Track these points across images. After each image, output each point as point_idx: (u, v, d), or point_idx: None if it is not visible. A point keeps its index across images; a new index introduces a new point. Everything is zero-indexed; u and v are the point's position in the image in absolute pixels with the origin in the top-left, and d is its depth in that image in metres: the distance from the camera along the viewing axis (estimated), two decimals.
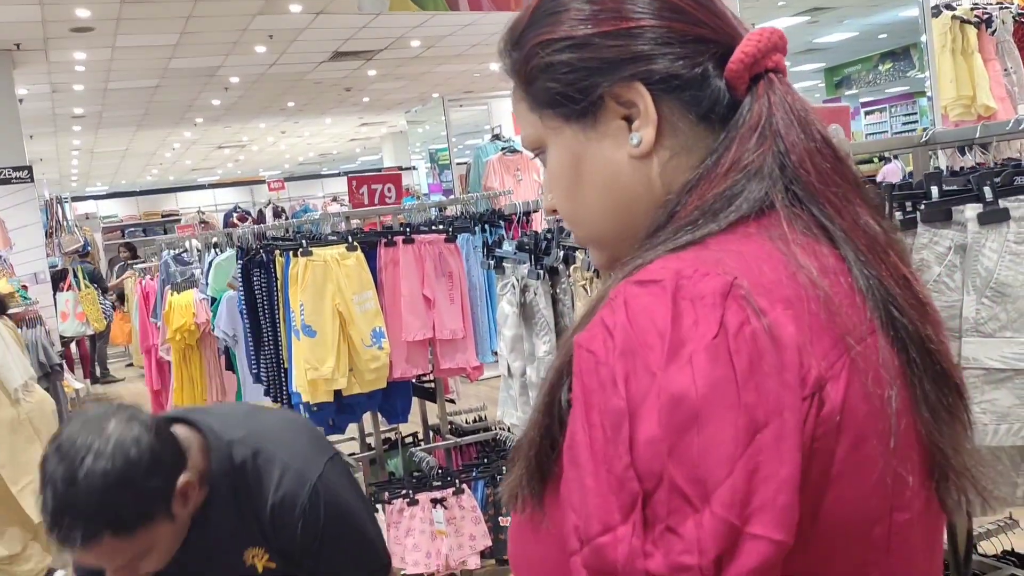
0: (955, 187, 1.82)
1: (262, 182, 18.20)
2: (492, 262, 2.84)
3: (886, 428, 0.62)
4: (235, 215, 13.02)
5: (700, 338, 0.58)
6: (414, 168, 12.32)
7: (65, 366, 5.90)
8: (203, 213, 14.22)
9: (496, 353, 2.96)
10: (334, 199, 14.91)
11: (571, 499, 0.61)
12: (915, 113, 13.61)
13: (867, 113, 14.79)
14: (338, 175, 20.21)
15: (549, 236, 2.56)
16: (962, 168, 2.46)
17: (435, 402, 3.80)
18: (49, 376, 5.31)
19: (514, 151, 7.34)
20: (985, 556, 2.39)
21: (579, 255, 2.37)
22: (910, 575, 0.66)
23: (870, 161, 7.94)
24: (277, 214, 12.52)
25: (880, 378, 0.63)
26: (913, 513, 0.64)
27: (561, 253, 2.47)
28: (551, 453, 0.67)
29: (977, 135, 1.98)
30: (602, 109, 0.74)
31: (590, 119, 0.74)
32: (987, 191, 1.72)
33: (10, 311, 5.46)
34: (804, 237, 0.66)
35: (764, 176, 0.68)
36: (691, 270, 0.61)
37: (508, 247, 2.80)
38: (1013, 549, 2.40)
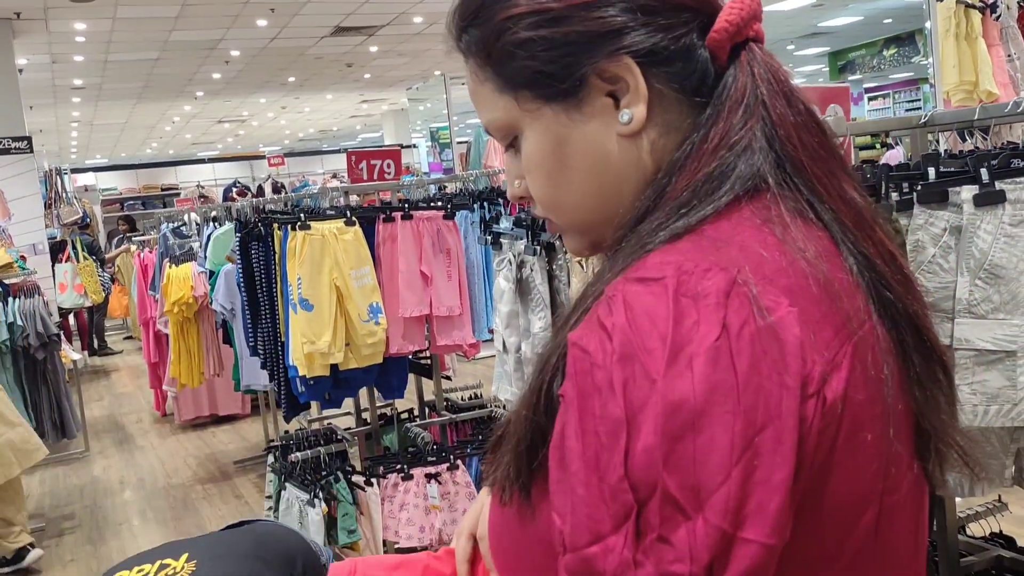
0: (952, 169, 1.82)
1: (262, 157, 18.15)
2: (489, 238, 2.83)
3: (884, 411, 0.61)
4: (234, 190, 12.96)
5: (701, 340, 0.56)
6: (414, 146, 12.27)
7: (63, 337, 5.89)
8: (202, 187, 14.17)
9: (492, 331, 2.97)
10: (334, 176, 14.85)
11: (556, 502, 0.59)
12: (919, 99, 13.56)
13: (871, 99, 14.75)
14: (338, 152, 20.16)
15: None
16: (961, 151, 2.46)
17: (431, 379, 3.81)
18: (47, 347, 5.31)
19: None
20: (973, 538, 2.41)
21: None
22: (895, 556, 0.65)
23: (873, 147, 7.93)
24: (276, 190, 12.46)
25: (878, 361, 0.61)
26: (901, 494, 0.64)
27: None
28: (541, 447, 0.65)
29: (976, 117, 1.97)
30: (586, 87, 0.69)
31: (573, 98, 0.69)
32: (984, 173, 1.72)
33: (8, 281, 5.47)
34: (799, 219, 0.65)
35: (754, 152, 0.66)
36: (692, 265, 0.59)
37: (505, 223, 2.79)
38: (1001, 531, 2.42)
